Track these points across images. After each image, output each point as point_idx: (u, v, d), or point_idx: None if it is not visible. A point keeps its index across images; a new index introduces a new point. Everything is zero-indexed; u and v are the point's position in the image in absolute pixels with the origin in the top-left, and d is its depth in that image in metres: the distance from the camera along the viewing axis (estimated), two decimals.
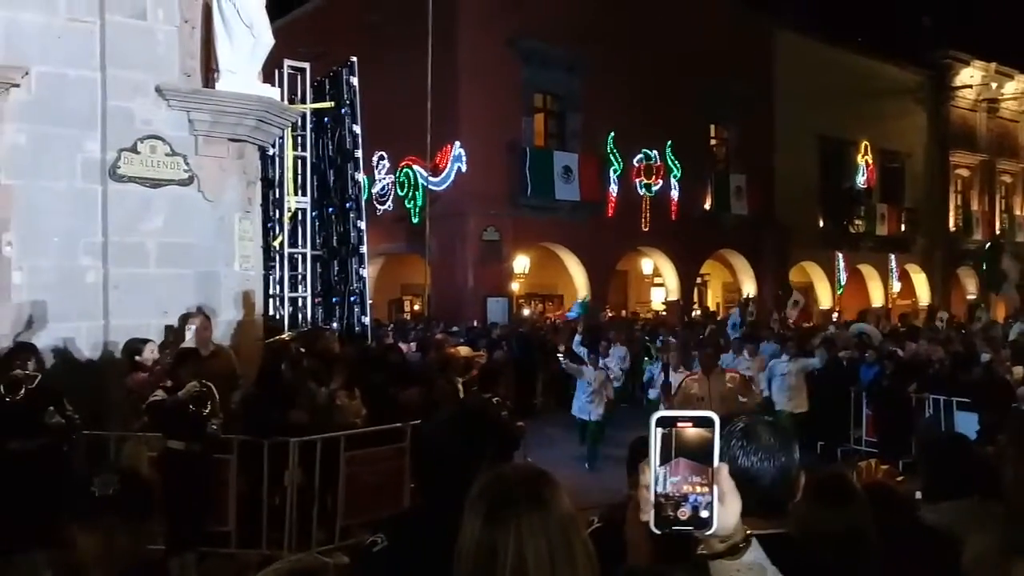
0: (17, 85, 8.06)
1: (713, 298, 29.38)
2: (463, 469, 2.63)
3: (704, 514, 1.43)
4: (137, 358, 7.79)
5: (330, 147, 13.78)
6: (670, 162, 24.30)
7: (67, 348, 8.14)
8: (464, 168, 20.74)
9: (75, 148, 8.39)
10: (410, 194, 21.96)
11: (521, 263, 22.12)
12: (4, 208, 8.01)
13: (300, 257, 13.11)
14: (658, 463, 1.43)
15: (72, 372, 7.86)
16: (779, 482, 2.22)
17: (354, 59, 13.64)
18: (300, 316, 12.82)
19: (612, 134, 22.88)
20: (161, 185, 8.69)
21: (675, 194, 24.47)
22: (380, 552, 2.67)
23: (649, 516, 1.43)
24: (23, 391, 6.48)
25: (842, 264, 28.85)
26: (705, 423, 1.44)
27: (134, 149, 8.54)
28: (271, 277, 12.53)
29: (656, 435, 1.43)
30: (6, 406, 6.45)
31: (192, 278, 8.88)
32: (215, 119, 8.99)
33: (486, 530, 1.77)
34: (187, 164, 8.82)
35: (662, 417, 1.44)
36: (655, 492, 1.43)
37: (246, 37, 9.24)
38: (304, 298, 12.94)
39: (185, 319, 8.34)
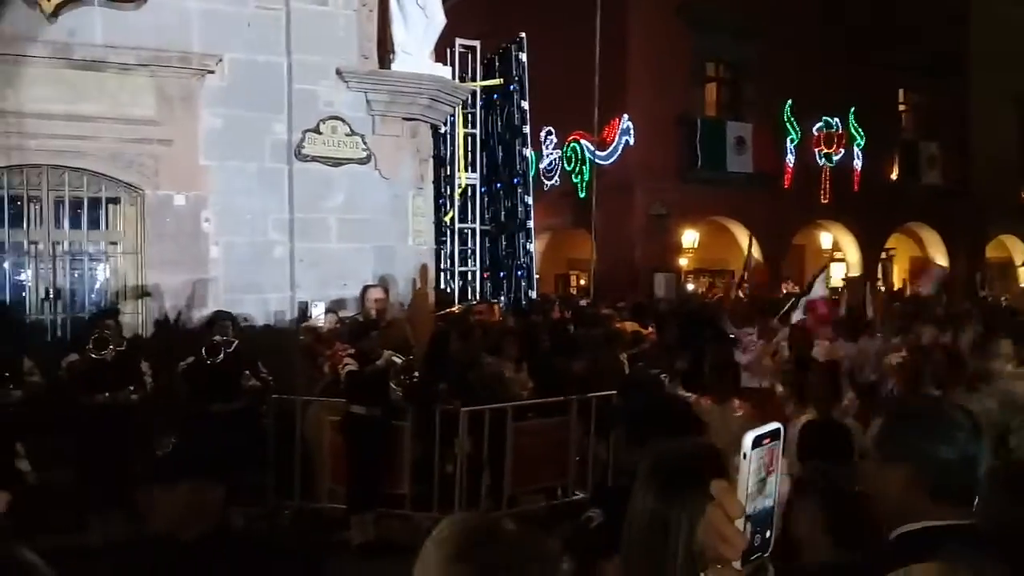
0: (212, 72, 8.67)
1: (899, 274, 27.64)
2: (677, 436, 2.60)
3: (768, 535, 1.27)
4: (315, 326, 8.23)
5: (499, 124, 13.97)
6: (853, 130, 22.96)
7: (259, 317, 8.74)
8: (632, 141, 20.47)
9: (264, 130, 8.95)
10: (577, 168, 21.93)
11: (690, 237, 21.64)
12: (203, 187, 8.66)
13: (470, 232, 13.41)
14: (750, 489, 1.24)
15: (263, 339, 8.42)
16: (965, 471, 2.06)
17: (523, 35, 13.72)
18: (469, 289, 13.13)
19: (789, 102, 21.86)
20: (341, 164, 9.13)
21: (858, 164, 23.12)
22: (599, 527, 2.67)
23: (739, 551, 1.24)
24: (222, 355, 7.02)
25: None
26: (776, 435, 1.28)
27: (317, 130, 9.01)
28: (442, 251, 12.90)
29: (752, 457, 1.25)
30: (207, 369, 7.01)
31: (370, 252, 9.29)
32: (391, 99, 9.33)
33: (659, 504, 1.75)
34: (365, 143, 9.21)
35: (758, 437, 1.26)
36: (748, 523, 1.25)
37: (419, 18, 9.51)
38: (473, 272, 13.24)
39: (365, 291, 8.73)
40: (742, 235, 22.37)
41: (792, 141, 22.17)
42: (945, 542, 1.87)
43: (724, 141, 21.34)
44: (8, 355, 5.94)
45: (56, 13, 8.05)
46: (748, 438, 1.24)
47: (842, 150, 22.81)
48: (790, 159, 22.19)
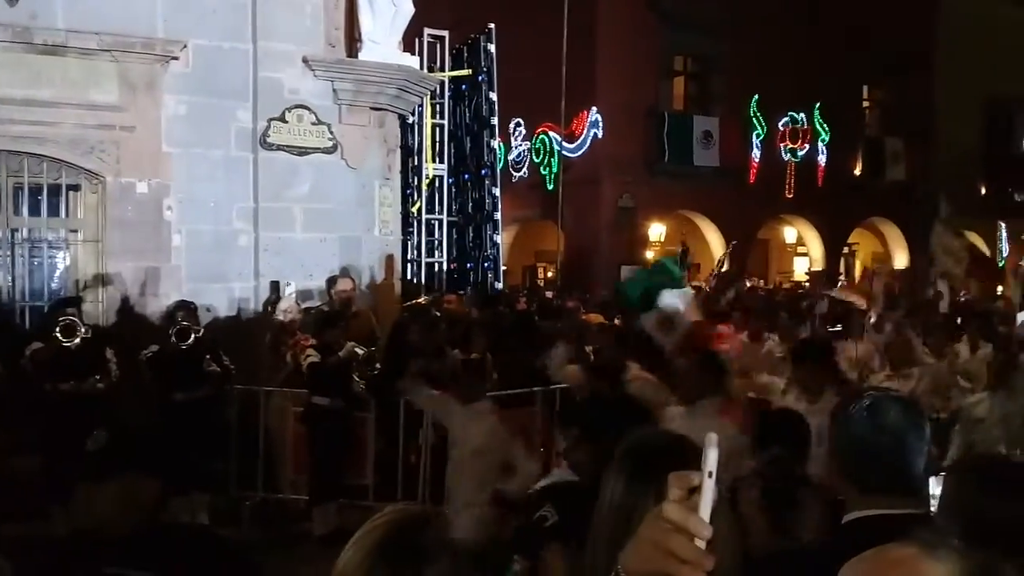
0: (176, 58, 8.56)
1: (860, 269, 28.07)
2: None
3: None
4: (279, 319, 8.19)
5: (467, 114, 13.95)
6: (818, 126, 23.23)
7: (222, 306, 8.67)
8: (600, 134, 20.54)
9: (229, 118, 8.85)
10: (545, 161, 21.97)
11: (656, 231, 21.79)
12: (165, 175, 8.56)
13: (437, 223, 13.40)
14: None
15: (226, 328, 8.36)
16: (909, 461, 2.12)
17: (492, 26, 13.71)
18: (436, 281, 13.12)
19: (756, 97, 22.06)
20: (307, 153, 9.06)
21: (822, 159, 23.41)
22: (552, 527, 2.65)
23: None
24: (192, 339, 6.98)
25: (1004, 235, 26.89)
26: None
27: (282, 118, 8.92)
28: (409, 242, 12.87)
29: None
30: (172, 357, 6.95)
31: (335, 242, 9.24)
32: (358, 88, 9.26)
33: (628, 493, 1.75)
34: (331, 132, 9.14)
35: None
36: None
37: (387, 7, 9.44)
38: (440, 263, 13.23)
39: (331, 281, 8.69)
40: (708, 228, 22.58)
41: (758, 136, 22.39)
42: (905, 528, 1.90)
43: (691, 135, 21.49)
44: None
45: None
46: (713, 454, 1.12)
47: (807, 145, 23.07)
48: (756, 154, 22.41)
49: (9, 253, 8.22)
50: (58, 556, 2.36)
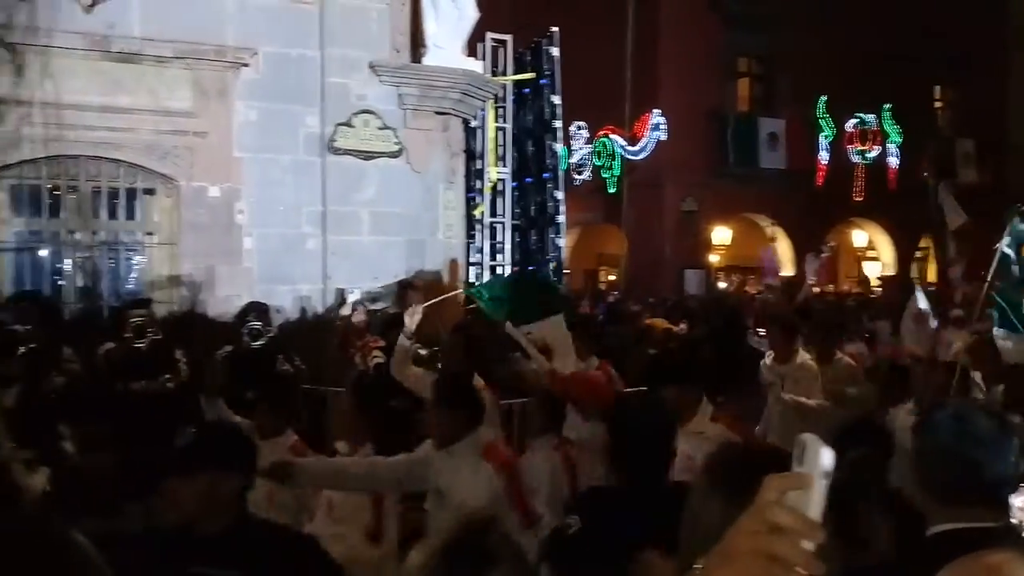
0: (247, 65, 8.75)
1: (932, 274, 27.27)
2: (664, 449, 2.57)
3: None
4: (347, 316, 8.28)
5: (530, 118, 13.96)
6: (888, 127, 22.66)
7: (290, 308, 8.81)
8: (663, 137, 20.37)
9: (298, 123, 9.02)
10: (607, 164, 21.87)
11: (720, 234, 21.50)
12: (237, 179, 8.75)
13: (499, 226, 13.43)
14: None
15: (293, 330, 8.49)
16: (995, 472, 2.04)
17: (555, 29, 13.70)
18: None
19: (824, 98, 21.62)
20: (373, 157, 9.18)
21: (893, 161, 22.83)
22: (575, 535, 2.63)
23: None
24: (264, 339, 7.13)
25: None
26: None
27: (349, 123, 9.06)
28: (472, 246, 12.92)
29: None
30: (244, 357, 7.08)
31: (401, 246, 9.34)
32: (423, 93, 9.35)
33: (723, 508, 1.66)
34: (397, 137, 9.25)
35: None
36: None
37: (451, 12, 9.52)
38: (503, 267, 13.26)
39: (403, 285, 8.77)
40: (774, 232, 22.20)
41: (827, 137, 21.93)
42: (993, 542, 1.82)
43: (756, 137, 21.18)
44: (49, 343, 6.05)
45: (93, 5, 8.16)
46: (827, 454, 1.05)
47: (877, 147, 22.52)
48: (824, 156, 21.96)
49: (88, 255, 8.49)
50: (143, 554, 2.41)
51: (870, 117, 22.34)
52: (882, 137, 22.62)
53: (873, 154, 22.48)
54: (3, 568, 1.12)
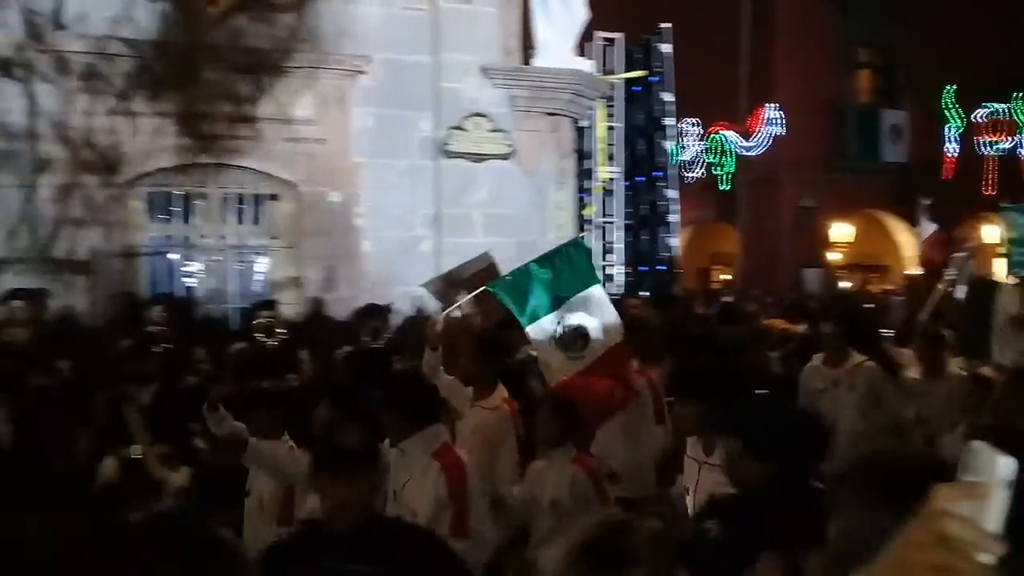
0: (364, 73, 8.98)
1: None
2: (807, 451, 2.49)
3: None
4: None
5: (641, 116, 13.83)
6: (1021, 117, 21.36)
7: (406, 309, 8.99)
8: (778, 131, 19.80)
9: (412, 128, 9.22)
10: (720, 161, 21.42)
11: (840, 231, 20.73)
12: (355, 184, 9.01)
13: (610, 226, 13.36)
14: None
15: (410, 330, 8.66)
16: None
17: (666, 26, 13.53)
18: (610, 285, 13.09)
19: (951, 87, 20.56)
20: (485, 160, 9.29)
21: None
22: (714, 540, 2.58)
23: None
24: (381, 340, 7.32)
25: None
26: None
27: (461, 127, 9.19)
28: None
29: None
30: (365, 356, 7.28)
31: (512, 247, 9.37)
32: (533, 95, 9.41)
33: (876, 519, 1.59)
34: (508, 139, 9.32)
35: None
36: None
37: (562, 13, 9.54)
38: (614, 267, 13.19)
39: None
40: (897, 228, 21.27)
41: (955, 129, 20.83)
42: None
43: (877, 129, 20.34)
44: (182, 344, 6.37)
45: (221, 20, 8.55)
46: (1006, 462, 0.99)
47: (1009, 138, 21.25)
48: (951, 148, 20.87)
49: (217, 258, 8.91)
50: (279, 546, 2.51)
51: (1001, 106, 21.10)
52: (1015, 127, 21.32)
53: (1005, 145, 21.22)
54: (157, 566, 1.18)
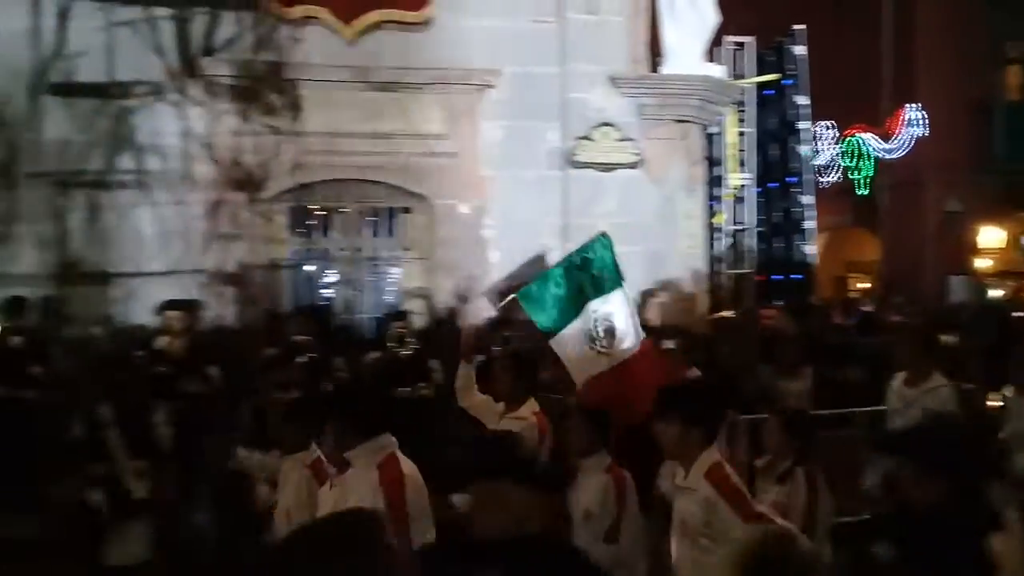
0: (492, 86, 9.13)
1: None
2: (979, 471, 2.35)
3: None
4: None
5: (774, 121, 13.46)
6: None
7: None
8: (920, 132, 18.83)
9: (540, 139, 9.29)
10: (857, 164, 20.56)
11: (989, 236, 19.51)
12: (484, 196, 9.16)
13: (742, 234, 13.04)
14: None
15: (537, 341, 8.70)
16: None
17: (800, 27, 13.13)
18: (743, 293, 12.77)
19: None
20: (612, 169, 9.25)
21: None
22: (889, 564, 2.47)
23: None
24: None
25: None
26: None
27: (589, 137, 9.19)
28: (713, 255, 12.65)
29: None
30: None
31: (640, 256, 9.30)
32: (661, 102, 9.31)
33: None
34: (636, 148, 9.25)
35: None
36: None
37: (690, 18, 9.41)
38: (746, 275, 12.86)
39: (648, 295, 8.75)
40: None
41: None
42: None
43: None
44: (321, 353, 6.62)
45: (355, 39, 8.89)
46: None
47: None
48: None
49: (354, 270, 9.24)
50: (430, 551, 2.55)
51: None
52: None
53: None
54: (326, 565, 1.22)
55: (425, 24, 9.04)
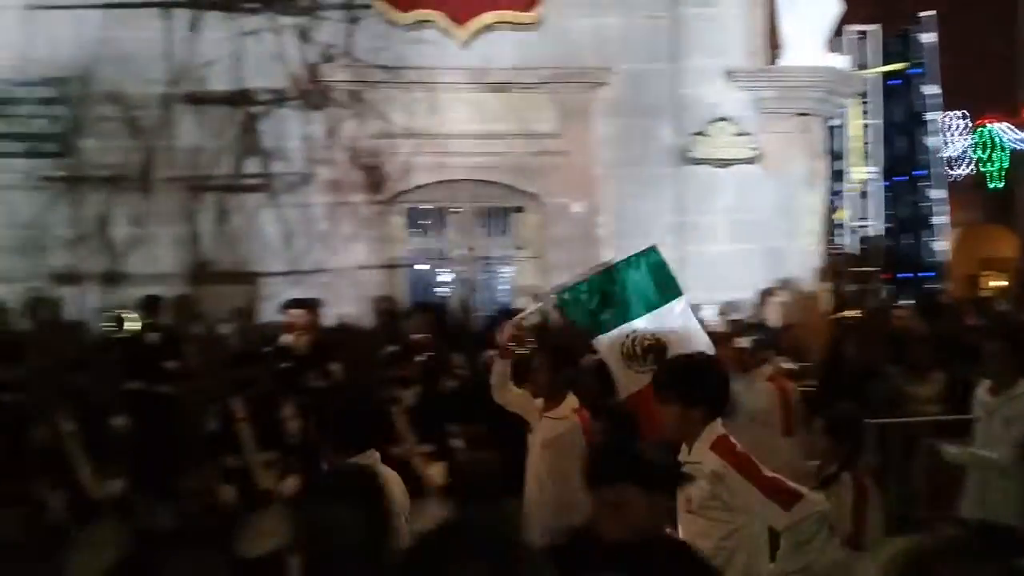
0: (605, 84, 9.07)
1: None
2: None
3: None
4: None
5: (900, 112, 12.88)
6: None
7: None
8: None
9: (653, 136, 9.18)
10: (990, 156, 19.45)
11: None
12: (597, 194, 9.11)
13: (866, 230, 12.54)
14: None
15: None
16: None
17: (929, 14, 12.52)
18: (868, 292, 12.28)
19: None
20: (729, 165, 9.05)
21: None
22: None
23: None
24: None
25: None
26: None
27: (704, 132, 9.02)
28: (836, 252, 12.21)
29: None
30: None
31: (759, 253, 9.07)
32: (780, 95, 9.08)
33: None
34: (753, 142, 9.03)
35: None
36: None
37: (811, 8, 9.12)
38: (872, 272, 12.35)
39: (766, 294, 8.53)
40: None
41: None
42: None
43: None
44: (440, 350, 6.71)
45: (468, 41, 9.00)
46: None
47: None
48: None
49: (469, 269, 9.36)
50: (555, 553, 2.54)
51: None
52: None
53: None
54: (469, 564, 1.22)
55: (537, 24, 9.06)
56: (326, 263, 8.63)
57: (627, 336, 4.54)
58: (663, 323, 4.58)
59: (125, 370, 6.86)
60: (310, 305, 7.26)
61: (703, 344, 4.57)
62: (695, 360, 3.66)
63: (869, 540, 3.87)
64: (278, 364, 6.57)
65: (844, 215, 12.38)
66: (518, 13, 9.06)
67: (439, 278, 9.68)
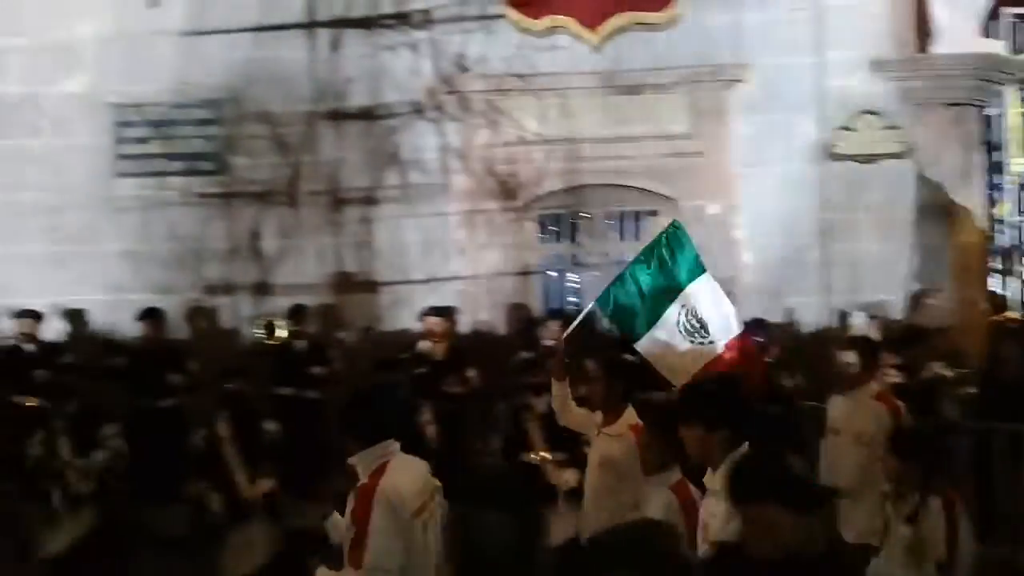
0: (741, 81, 8.85)
1: None
2: None
3: None
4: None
5: None
6: None
7: (791, 323, 8.63)
8: None
9: (793, 133, 8.90)
10: None
11: None
12: (734, 195, 8.90)
13: None
14: None
15: (795, 345, 8.29)
16: None
17: None
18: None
19: None
20: (875, 160, 8.69)
21: None
22: None
23: None
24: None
25: None
26: None
27: (849, 126, 8.68)
28: (993, 248, 11.44)
29: None
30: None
31: (908, 252, 8.68)
32: (932, 85, 8.68)
33: None
34: (902, 136, 8.63)
35: None
36: None
37: None
38: None
39: (919, 296, 8.15)
40: None
41: None
42: None
43: None
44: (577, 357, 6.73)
45: (601, 45, 8.97)
46: None
47: None
48: None
49: (602, 275, 9.30)
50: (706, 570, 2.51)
51: None
52: None
53: None
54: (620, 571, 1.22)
55: (670, 23, 8.94)
56: (462, 271, 8.80)
57: (678, 314, 4.52)
58: (698, 301, 4.59)
59: (275, 376, 7.21)
60: (447, 313, 7.43)
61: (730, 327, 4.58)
62: (718, 383, 3.62)
63: (963, 570, 3.61)
64: (415, 370, 6.76)
65: (1004, 209, 11.60)
66: (651, 14, 8.97)
67: (572, 284, 9.68)
